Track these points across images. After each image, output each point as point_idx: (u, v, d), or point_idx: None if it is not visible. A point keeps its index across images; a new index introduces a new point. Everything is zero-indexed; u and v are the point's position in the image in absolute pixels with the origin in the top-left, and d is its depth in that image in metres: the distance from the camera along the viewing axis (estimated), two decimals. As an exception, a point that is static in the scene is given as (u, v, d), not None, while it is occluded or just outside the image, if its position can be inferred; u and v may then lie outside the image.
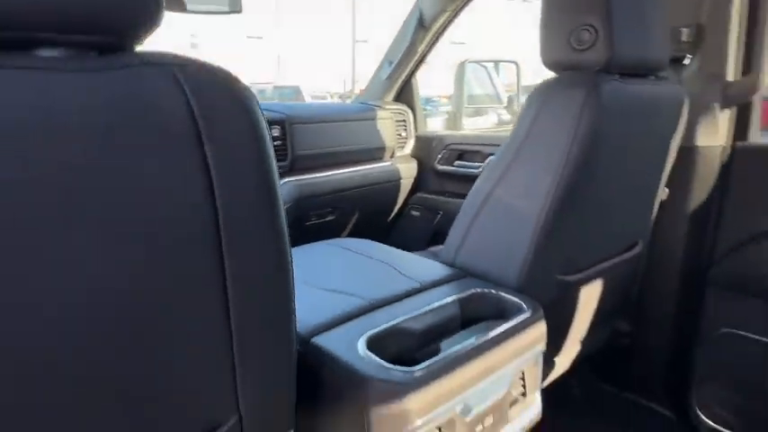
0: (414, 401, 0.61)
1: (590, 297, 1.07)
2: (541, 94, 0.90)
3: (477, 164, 1.80)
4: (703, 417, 1.29)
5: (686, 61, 1.18)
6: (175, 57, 0.39)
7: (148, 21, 0.39)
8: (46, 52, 0.35)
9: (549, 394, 1.41)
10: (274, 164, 0.45)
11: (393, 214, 2.06)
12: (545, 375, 1.09)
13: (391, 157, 1.98)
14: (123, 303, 0.41)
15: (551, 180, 0.87)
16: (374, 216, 1.96)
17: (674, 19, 1.15)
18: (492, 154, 1.71)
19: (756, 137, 1.20)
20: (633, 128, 0.94)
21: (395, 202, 2.02)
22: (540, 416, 0.85)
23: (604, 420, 1.39)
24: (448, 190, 1.95)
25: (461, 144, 1.87)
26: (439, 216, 1.92)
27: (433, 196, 1.99)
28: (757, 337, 1.18)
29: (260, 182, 0.44)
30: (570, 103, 0.85)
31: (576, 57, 0.87)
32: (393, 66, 1.90)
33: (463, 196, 1.06)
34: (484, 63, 2.51)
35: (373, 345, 0.68)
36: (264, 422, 0.58)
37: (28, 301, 0.35)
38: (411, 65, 1.88)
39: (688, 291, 1.29)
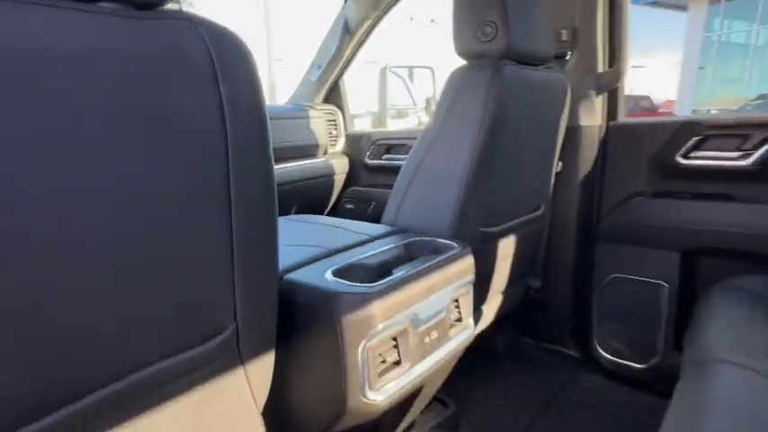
0: (376, 308, 0.75)
1: (507, 248, 1.28)
2: (457, 78, 1.10)
3: (403, 156, 2.00)
4: (602, 351, 1.55)
5: (567, 57, 1.45)
6: (195, 15, 0.52)
7: None
8: (105, 4, 0.46)
9: (477, 347, 1.62)
10: (266, 105, 0.59)
11: (329, 208, 2.20)
12: (475, 323, 1.27)
13: (324, 154, 2.12)
14: (149, 208, 0.51)
15: (469, 147, 1.06)
16: (311, 210, 2.08)
17: (555, 23, 1.42)
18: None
19: (623, 116, 1.50)
20: (529, 104, 1.17)
21: (330, 196, 2.16)
22: (473, 338, 1.02)
23: (524, 367, 1.61)
24: (379, 182, 2.12)
25: (389, 139, 2.06)
26: (372, 206, 2.09)
27: (366, 189, 2.15)
28: (637, 277, 1.47)
29: (257, 117, 0.57)
30: (480, 83, 1.05)
31: (481, 47, 1.08)
32: (322, 69, 2.05)
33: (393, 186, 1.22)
34: (401, 71, 2.73)
35: (338, 275, 0.82)
36: (255, 332, 0.69)
37: (72, 202, 0.45)
38: (338, 68, 2.05)
39: (582, 246, 1.55)
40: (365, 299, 0.75)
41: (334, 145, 2.17)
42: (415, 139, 2.00)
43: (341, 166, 2.16)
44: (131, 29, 0.46)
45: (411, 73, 2.82)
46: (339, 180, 2.17)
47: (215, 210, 0.56)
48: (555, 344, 1.67)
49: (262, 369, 0.73)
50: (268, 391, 0.76)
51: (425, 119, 2.58)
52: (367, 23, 1.88)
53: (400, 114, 2.56)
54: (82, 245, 0.46)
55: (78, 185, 0.45)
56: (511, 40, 1.06)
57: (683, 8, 15.95)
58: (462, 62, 1.14)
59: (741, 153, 1.27)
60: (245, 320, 0.67)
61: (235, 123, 0.54)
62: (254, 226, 0.62)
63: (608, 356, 1.54)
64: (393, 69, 2.64)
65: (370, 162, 2.12)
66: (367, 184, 2.17)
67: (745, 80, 15.07)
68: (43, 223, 0.43)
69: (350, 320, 0.73)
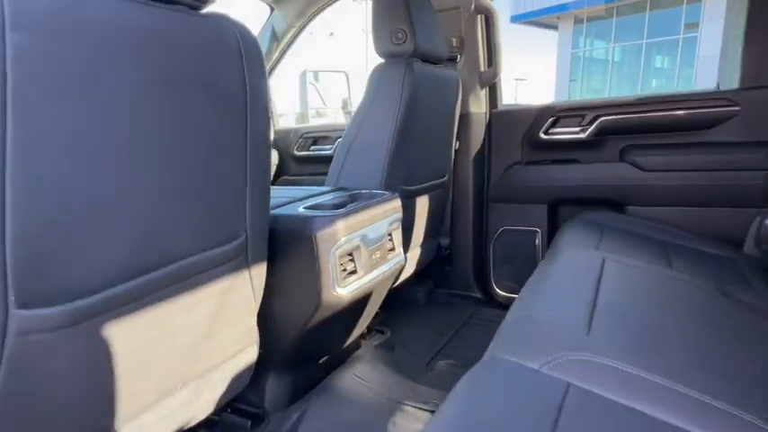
0: (339, 226, 1.06)
1: (423, 206, 1.64)
2: (378, 72, 1.45)
3: (329, 146, 2.31)
4: (498, 290, 1.98)
5: (458, 59, 1.87)
6: (229, 16, 0.79)
7: None
8: (176, 6, 0.72)
9: (404, 296, 1.96)
10: (267, 79, 0.88)
11: None
12: (399, 276, 1.60)
13: (256, 147, 2.36)
14: (204, 142, 0.78)
15: (392, 123, 1.41)
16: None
17: (447, 33, 1.83)
18: (339, 137, 2.24)
19: (501, 105, 1.96)
20: (433, 93, 1.55)
21: (263, 186, 2.40)
22: (403, 264, 1.36)
23: (440, 308, 1.98)
24: (307, 171, 2.41)
25: (314, 132, 2.36)
26: (302, 193, 2.36)
27: (295, 178, 2.42)
28: (519, 227, 1.91)
29: (263, 85, 0.86)
30: (396, 76, 1.41)
31: (395, 48, 1.44)
32: (251, 72, 2.30)
33: (322, 174, 1.51)
34: (310, 76, 3.03)
35: (307, 209, 1.11)
36: (256, 243, 0.96)
37: (152, 136, 0.70)
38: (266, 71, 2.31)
39: (478, 208, 1.98)
40: (332, 219, 1.05)
41: (265, 139, 2.41)
42: (337, 131, 2.33)
43: (271, 159, 2.41)
44: (190, 21, 0.73)
45: (316, 77, 3.13)
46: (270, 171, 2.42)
47: (240, 147, 0.84)
48: (462, 290, 2.07)
49: (259, 276, 1.00)
50: (260, 300, 1.03)
51: (341, 118, 2.92)
52: (292, 31, 2.18)
53: (319, 114, 2.86)
54: (161, 168, 0.72)
55: (162, 126, 0.71)
56: (416, 43, 1.43)
57: (554, 27, 18.12)
58: (371, 65, 1.50)
59: (580, 128, 1.76)
60: (252, 232, 0.94)
61: (251, 88, 0.83)
62: (259, 163, 0.90)
63: (503, 293, 1.97)
64: (308, 74, 2.93)
65: (298, 154, 2.40)
66: (296, 173, 2.45)
67: (606, 91, 17.43)
68: (133, 153, 0.68)
69: (322, 235, 1.03)
